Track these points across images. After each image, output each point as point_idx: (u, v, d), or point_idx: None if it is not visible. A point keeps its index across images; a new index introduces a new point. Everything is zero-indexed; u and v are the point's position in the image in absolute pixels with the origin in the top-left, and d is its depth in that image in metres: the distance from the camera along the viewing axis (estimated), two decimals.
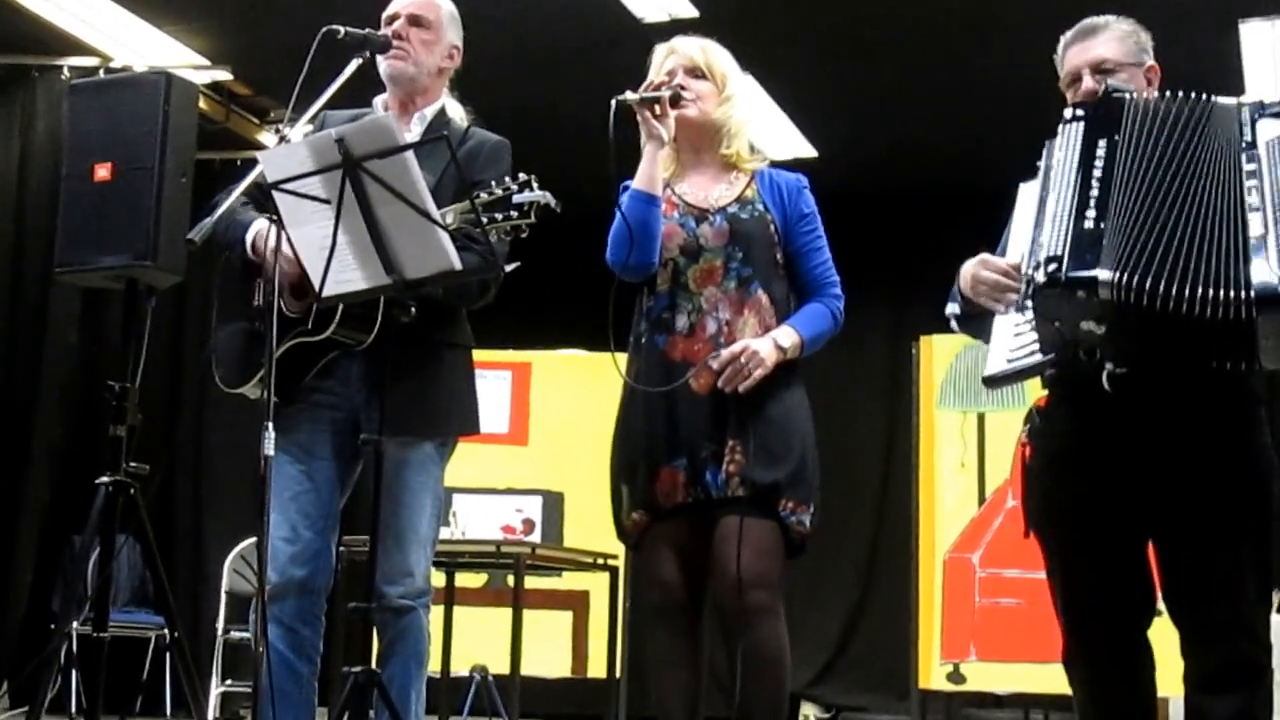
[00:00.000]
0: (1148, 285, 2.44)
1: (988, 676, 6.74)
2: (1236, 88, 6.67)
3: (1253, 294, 2.40)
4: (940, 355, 6.95)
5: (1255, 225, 2.46)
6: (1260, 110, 2.58)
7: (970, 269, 2.76)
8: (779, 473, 3.14)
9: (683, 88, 3.26)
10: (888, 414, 8.34)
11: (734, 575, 3.07)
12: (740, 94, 3.37)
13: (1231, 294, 2.42)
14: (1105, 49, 2.85)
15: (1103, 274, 2.45)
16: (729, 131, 3.33)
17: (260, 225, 3.15)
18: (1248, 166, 2.52)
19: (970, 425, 6.88)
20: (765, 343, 3.16)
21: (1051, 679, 6.26)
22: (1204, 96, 2.63)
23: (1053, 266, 2.49)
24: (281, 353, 3.11)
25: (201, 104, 6.70)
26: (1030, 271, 2.55)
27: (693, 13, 6.11)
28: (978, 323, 2.82)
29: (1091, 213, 2.52)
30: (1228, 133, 2.57)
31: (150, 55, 6.96)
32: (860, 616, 8.54)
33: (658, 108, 3.19)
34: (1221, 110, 2.61)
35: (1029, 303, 2.56)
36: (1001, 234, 2.91)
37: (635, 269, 3.22)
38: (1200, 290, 2.42)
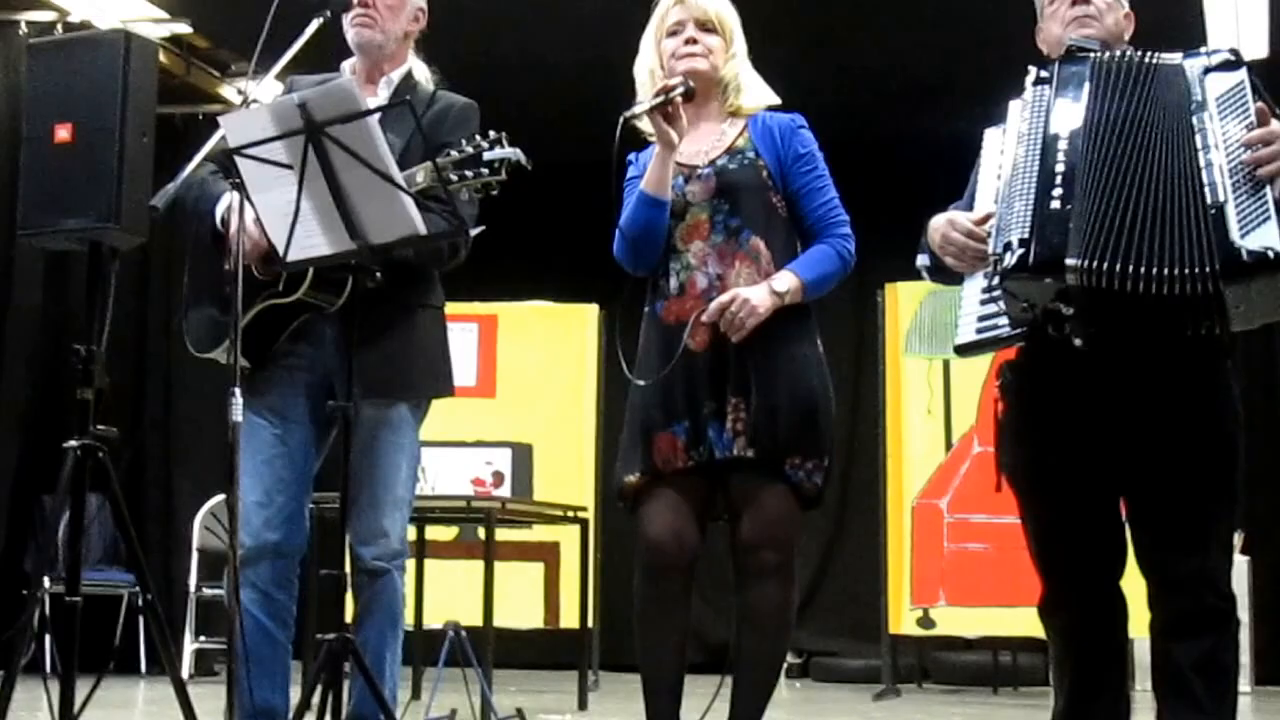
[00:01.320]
0: (1116, 268, 2.45)
1: (957, 621, 6.82)
2: (1200, 34, 6.68)
3: (1217, 267, 2.42)
4: (906, 302, 6.98)
5: (1211, 193, 2.46)
6: (1206, 66, 2.58)
7: (939, 227, 2.77)
8: (785, 429, 3.07)
9: (693, 40, 3.19)
10: (854, 361, 8.39)
11: (748, 536, 3.08)
12: (742, 49, 3.31)
13: (1197, 269, 2.43)
14: None
15: (1070, 259, 2.46)
16: (735, 87, 3.26)
17: (230, 198, 3.13)
18: (1199, 129, 2.51)
19: (936, 372, 6.92)
20: (759, 289, 3.08)
21: (1020, 622, 6.39)
22: (1151, 55, 2.61)
23: (1020, 250, 2.49)
24: (253, 316, 3.10)
25: (161, 58, 6.63)
26: (998, 251, 2.55)
27: None
28: (949, 274, 2.83)
29: (1058, 191, 2.52)
30: (1178, 92, 2.56)
31: (108, 8, 6.88)
32: (831, 563, 8.62)
33: (670, 109, 3.09)
34: (1170, 69, 2.59)
35: (997, 279, 2.56)
36: (967, 180, 2.92)
37: (635, 267, 3.20)
38: (1167, 269, 2.44)
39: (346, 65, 3.37)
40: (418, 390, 3.29)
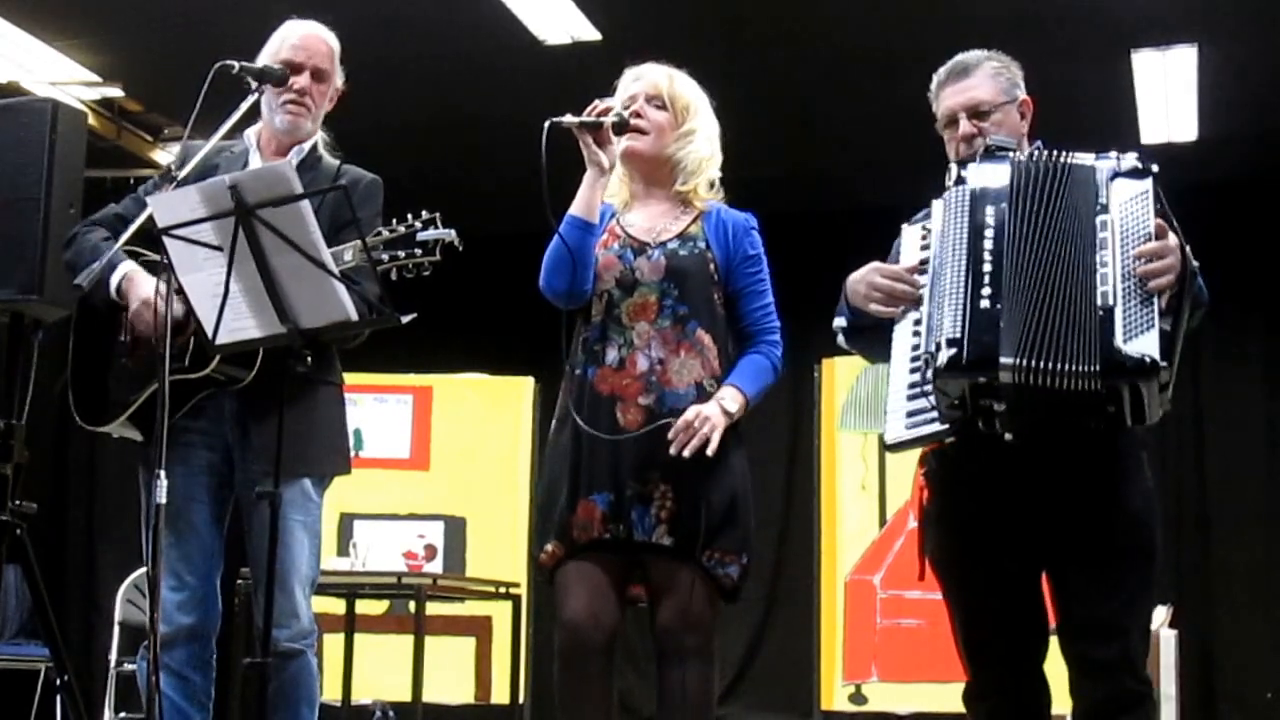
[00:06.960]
0: (1045, 365, 2.50)
1: (889, 697, 6.79)
2: (1133, 117, 6.80)
3: (1098, 367, 2.49)
4: (842, 377, 7.00)
5: (1102, 297, 2.53)
6: (1115, 171, 2.64)
7: (861, 277, 2.78)
8: (707, 524, 3.06)
9: (637, 115, 3.17)
10: (789, 436, 8.38)
11: (665, 620, 3.06)
12: (704, 131, 3.24)
13: (1085, 367, 2.50)
14: (980, 91, 2.88)
15: (1004, 359, 2.51)
16: (684, 169, 3.21)
17: (127, 268, 3.10)
18: (1100, 233, 2.57)
19: (871, 447, 6.93)
20: (715, 409, 3.08)
21: (952, 698, 6.30)
22: (1065, 155, 2.67)
23: (953, 350, 2.53)
24: (152, 390, 3.04)
25: (92, 121, 6.55)
26: (930, 350, 2.58)
27: (595, 35, 6.09)
28: (867, 337, 2.85)
29: (987, 290, 2.56)
30: (1087, 193, 2.62)
31: (39, 71, 6.80)
32: (763, 638, 8.56)
33: (600, 133, 3.09)
34: (1082, 170, 2.65)
35: (929, 381, 2.59)
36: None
37: (564, 295, 3.13)
38: (1070, 365, 2.50)
39: (251, 133, 3.35)
40: (320, 467, 3.25)
